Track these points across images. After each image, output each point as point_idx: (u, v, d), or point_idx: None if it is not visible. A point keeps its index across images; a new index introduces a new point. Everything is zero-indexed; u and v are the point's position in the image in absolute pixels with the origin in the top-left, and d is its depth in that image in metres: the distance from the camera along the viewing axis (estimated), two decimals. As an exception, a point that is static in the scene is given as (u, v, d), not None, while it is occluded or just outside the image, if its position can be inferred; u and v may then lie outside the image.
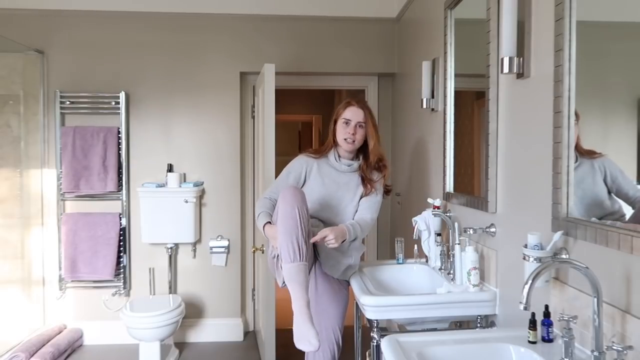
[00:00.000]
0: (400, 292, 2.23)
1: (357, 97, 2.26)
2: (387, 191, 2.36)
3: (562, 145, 1.40)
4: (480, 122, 2.03)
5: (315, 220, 2.22)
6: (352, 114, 2.22)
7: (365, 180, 2.25)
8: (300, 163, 2.28)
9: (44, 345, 3.14)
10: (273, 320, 2.97)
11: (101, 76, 3.52)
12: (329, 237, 2.00)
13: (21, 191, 3.48)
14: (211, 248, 3.61)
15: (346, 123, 2.22)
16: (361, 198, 2.26)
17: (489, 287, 1.92)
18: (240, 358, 3.36)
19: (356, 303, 2.24)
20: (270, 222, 2.11)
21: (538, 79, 1.59)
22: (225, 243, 3.61)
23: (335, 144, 2.28)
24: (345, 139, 2.22)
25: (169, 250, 3.55)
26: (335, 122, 2.27)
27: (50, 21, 3.48)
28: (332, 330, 2.23)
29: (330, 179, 2.25)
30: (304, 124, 8.38)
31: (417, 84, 2.90)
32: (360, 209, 2.26)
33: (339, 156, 2.29)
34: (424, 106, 2.67)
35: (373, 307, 1.83)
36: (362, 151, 2.30)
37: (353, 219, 2.24)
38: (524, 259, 1.46)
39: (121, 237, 3.51)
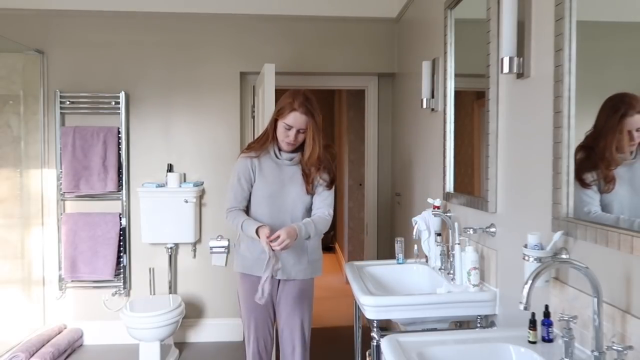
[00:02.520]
0: (400, 292, 2.23)
1: (303, 97, 2.11)
2: (332, 181, 2.24)
3: (562, 145, 1.40)
4: (480, 122, 2.03)
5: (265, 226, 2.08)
6: (295, 120, 2.09)
7: (306, 176, 2.17)
8: (245, 165, 2.19)
9: (44, 345, 3.15)
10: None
11: (101, 76, 3.52)
12: (281, 240, 1.94)
13: (21, 191, 3.48)
14: (211, 248, 3.61)
15: (287, 128, 2.11)
16: (309, 194, 2.19)
17: (489, 287, 1.92)
18: (240, 358, 3.36)
19: (356, 303, 2.24)
20: (262, 225, 2.04)
21: (538, 79, 1.59)
22: (225, 243, 3.61)
23: (275, 138, 2.18)
24: (286, 142, 2.14)
25: (169, 250, 3.55)
26: (277, 120, 2.14)
27: (50, 21, 3.48)
28: (295, 343, 2.22)
29: (273, 176, 2.18)
30: (304, 124, 8.37)
31: (417, 84, 2.90)
32: (317, 205, 2.20)
33: (279, 150, 2.20)
34: (424, 106, 2.67)
35: (373, 307, 1.82)
36: (302, 146, 2.20)
37: (310, 217, 2.17)
38: (524, 259, 1.46)
39: (121, 237, 3.51)
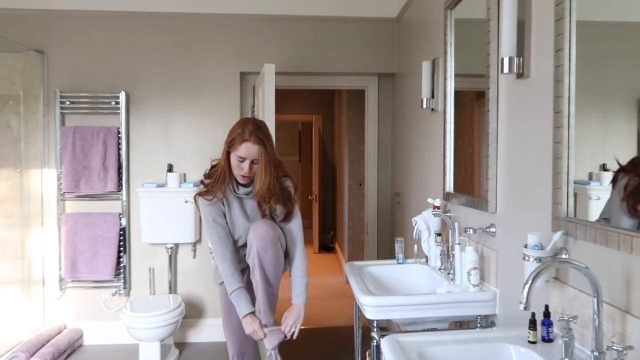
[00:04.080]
0: (400, 292, 2.23)
1: (253, 125, 2.06)
2: (288, 214, 2.19)
3: (562, 145, 1.40)
4: (480, 122, 2.03)
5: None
6: (247, 151, 2.03)
7: (261, 206, 2.14)
8: (217, 207, 2.13)
9: (43, 345, 3.14)
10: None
11: (101, 76, 3.52)
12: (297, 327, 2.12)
13: (21, 191, 3.48)
14: (211, 248, 3.60)
15: (240, 160, 2.05)
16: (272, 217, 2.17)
17: (489, 287, 1.92)
18: (240, 358, 3.36)
19: (356, 303, 2.24)
20: (253, 313, 2.07)
21: (538, 79, 1.59)
22: (225, 243, 3.60)
23: (231, 172, 2.11)
24: (241, 175, 2.08)
25: (169, 250, 3.55)
26: (229, 152, 2.08)
27: (50, 21, 3.48)
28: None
29: (238, 216, 2.16)
30: (304, 124, 8.38)
31: (417, 84, 2.90)
32: (289, 245, 2.18)
33: (237, 184, 2.15)
34: (424, 106, 2.67)
35: (373, 307, 1.82)
36: None
37: (290, 261, 2.19)
38: (524, 259, 1.46)
39: (121, 237, 3.51)
